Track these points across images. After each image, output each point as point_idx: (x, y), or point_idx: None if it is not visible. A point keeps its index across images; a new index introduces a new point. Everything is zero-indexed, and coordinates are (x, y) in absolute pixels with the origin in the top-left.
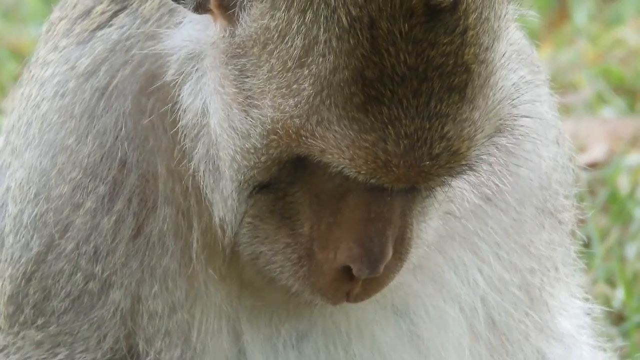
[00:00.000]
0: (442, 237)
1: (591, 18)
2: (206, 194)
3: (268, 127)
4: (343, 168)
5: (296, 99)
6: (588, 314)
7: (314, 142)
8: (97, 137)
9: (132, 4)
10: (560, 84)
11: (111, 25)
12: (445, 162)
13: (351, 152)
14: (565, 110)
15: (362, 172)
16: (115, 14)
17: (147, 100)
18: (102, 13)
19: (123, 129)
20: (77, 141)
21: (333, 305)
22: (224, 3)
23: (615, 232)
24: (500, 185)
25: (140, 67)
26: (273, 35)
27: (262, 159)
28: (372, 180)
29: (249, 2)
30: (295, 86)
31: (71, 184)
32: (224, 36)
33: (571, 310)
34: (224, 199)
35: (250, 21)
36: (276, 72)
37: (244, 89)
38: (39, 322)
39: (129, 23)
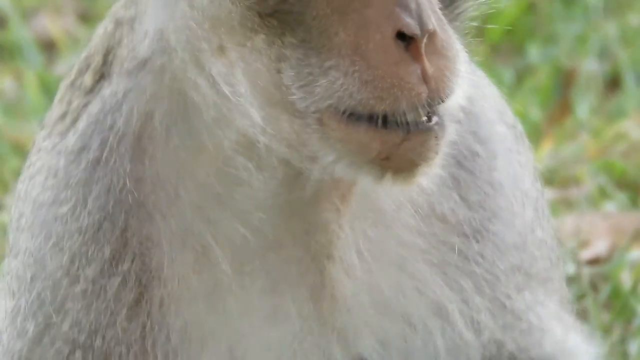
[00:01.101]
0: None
1: (593, 112)
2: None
3: None
4: None
5: None
6: None
7: None
8: (96, 200)
9: (103, 78)
10: (562, 179)
11: (88, 104)
12: None
13: None
14: (567, 204)
15: None
16: (91, 91)
17: (146, 143)
18: (77, 106)
19: (123, 190)
20: (74, 208)
21: (420, 104)
22: None
23: (618, 329)
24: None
25: (131, 117)
26: None
27: None
28: None
29: None
30: None
31: (69, 252)
32: None
33: None
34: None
35: None
36: None
37: None
38: None
39: (105, 90)
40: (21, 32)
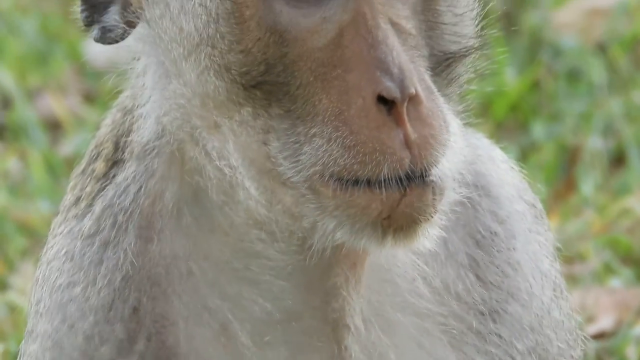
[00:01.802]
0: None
1: (598, 188)
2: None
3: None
4: None
5: None
6: None
7: None
8: (105, 279)
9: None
10: (568, 255)
11: (103, 189)
12: None
13: None
14: (573, 280)
15: None
16: (105, 177)
17: (156, 222)
18: (91, 191)
19: (132, 268)
20: (85, 288)
21: (403, 171)
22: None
23: None
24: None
25: (139, 197)
26: None
27: (241, 45)
28: None
29: None
30: None
31: (83, 332)
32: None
33: None
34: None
35: None
36: None
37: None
38: None
39: (119, 177)
40: (26, 112)
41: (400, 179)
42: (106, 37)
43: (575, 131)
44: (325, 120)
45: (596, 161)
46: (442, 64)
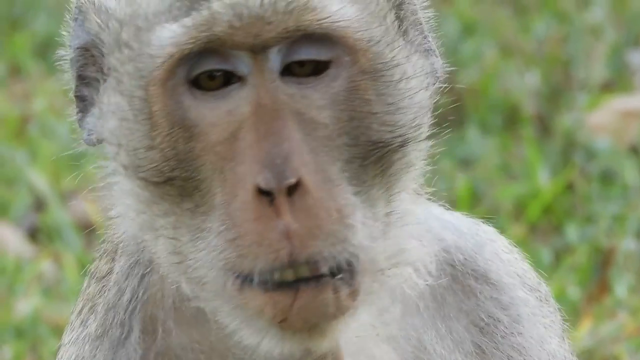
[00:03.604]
0: None
1: (632, 291)
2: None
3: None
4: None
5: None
6: None
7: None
8: None
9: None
10: (601, 358)
11: (103, 288)
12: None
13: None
14: None
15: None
16: (105, 276)
17: (158, 314)
18: (93, 292)
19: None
20: None
21: (281, 269)
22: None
23: None
24: None
25: (137, 291)
26: None
27: (152, 141)
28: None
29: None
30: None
31: None
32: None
33: None
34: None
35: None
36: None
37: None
38: None
39: (115, 273)
40: (60, 215)
41: (296, 280)
42: (90, 139)
43: (609, 233)
44: (217, 213)
45: (630, 263)
46: (373, 153)
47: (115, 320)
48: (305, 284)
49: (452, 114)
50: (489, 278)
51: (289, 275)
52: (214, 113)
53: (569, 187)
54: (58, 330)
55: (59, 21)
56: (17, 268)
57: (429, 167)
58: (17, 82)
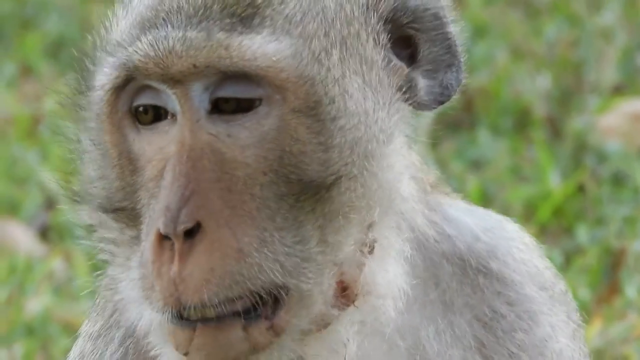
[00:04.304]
0: None
1: None
2: None
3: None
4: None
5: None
6: None
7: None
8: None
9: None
10: (611, 358)
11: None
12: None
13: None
14: None
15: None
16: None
17: None
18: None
19: None
20: None
21: (171, 306)
22: None
23: None
24: None
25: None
26: None
27: (104, 171)
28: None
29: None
30: None
31: None
32: None
33: None
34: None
35: None
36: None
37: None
38: None
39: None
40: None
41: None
42: None
43: (619, 235)
44: (140, 249)
45: None
46: (307, 190)
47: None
48: (203, 323)
49: (463, 116)
50: (497, 274)
51: (192, 313)
52: (150, 148)
53: (580, 189)
54: (68, 329)
55: (70, 22)
56: (27, 267)
57: (440, 169)
58: (29, 82)
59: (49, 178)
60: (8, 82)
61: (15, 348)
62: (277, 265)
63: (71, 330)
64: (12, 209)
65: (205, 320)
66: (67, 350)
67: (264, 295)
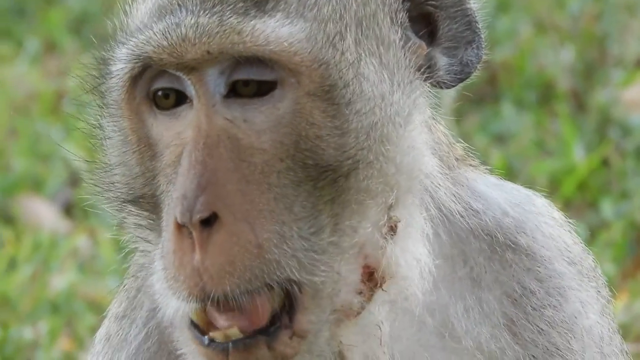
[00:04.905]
0: None
1: None
2: None
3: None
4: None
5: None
6: None
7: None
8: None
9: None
10: (637, 333)
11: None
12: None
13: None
14: None
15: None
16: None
17: None
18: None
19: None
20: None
21: (196, 297)
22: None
23: None
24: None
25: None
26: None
27: (124, 157)
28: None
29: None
30: None
31: None
32: None
33: None
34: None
35: None
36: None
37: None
38: None
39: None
40: None
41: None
42: None
43: None
44: (161, 239)
45: None
46: (324, 177)
47: (143, 300)
48: (234, 345)
49: (487, 90)
50: (526, 249)
51: (219, 337)
52: (168, 133)
53: (604, 163)
54: (93, 306)
55: None
56: (52, 244)
57: (465, 143)
58: (52, 58)
59: (73, 154)
60: (32, 58)
61: (40, 325)
62: (294, 262)
63: (96, 307)
64: (36, 186)
65: (235, 342)
66: (92, 327)
67: (276, 288)
